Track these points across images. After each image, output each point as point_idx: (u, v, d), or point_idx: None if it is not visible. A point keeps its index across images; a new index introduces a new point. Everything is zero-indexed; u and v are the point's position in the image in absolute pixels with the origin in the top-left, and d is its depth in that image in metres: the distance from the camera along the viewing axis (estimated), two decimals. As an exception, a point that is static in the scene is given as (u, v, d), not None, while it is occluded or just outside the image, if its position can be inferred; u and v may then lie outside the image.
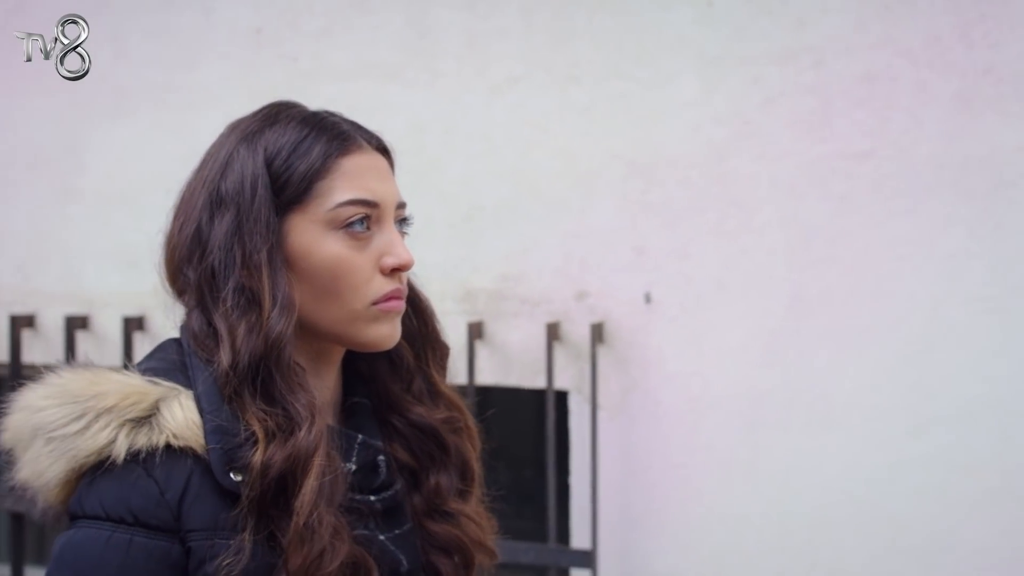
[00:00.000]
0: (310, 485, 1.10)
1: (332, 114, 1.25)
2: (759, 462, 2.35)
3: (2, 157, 3.00)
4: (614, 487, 2.45)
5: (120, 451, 1.08)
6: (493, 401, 2.56)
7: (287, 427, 1.11)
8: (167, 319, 1.25)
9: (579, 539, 2.51)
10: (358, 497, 1.20)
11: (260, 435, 1.10)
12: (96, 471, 1.09)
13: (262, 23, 2.73)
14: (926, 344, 2.24)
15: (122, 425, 1.09)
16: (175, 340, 1.22)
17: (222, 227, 1.17)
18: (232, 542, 1.09)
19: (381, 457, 1.25)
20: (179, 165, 2.86)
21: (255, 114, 1.25)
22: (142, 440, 1.09)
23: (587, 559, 2.40)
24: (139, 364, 1.18)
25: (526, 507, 2.57)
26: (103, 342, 2.82)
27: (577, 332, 2.46)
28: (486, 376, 2.54)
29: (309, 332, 1.20)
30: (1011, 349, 2.20)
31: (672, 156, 2.41)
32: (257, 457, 1.09)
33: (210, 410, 1.12)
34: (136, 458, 1.09)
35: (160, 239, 1.24)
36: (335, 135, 1.21)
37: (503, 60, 2.54)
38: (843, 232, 2.29)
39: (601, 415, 2.45)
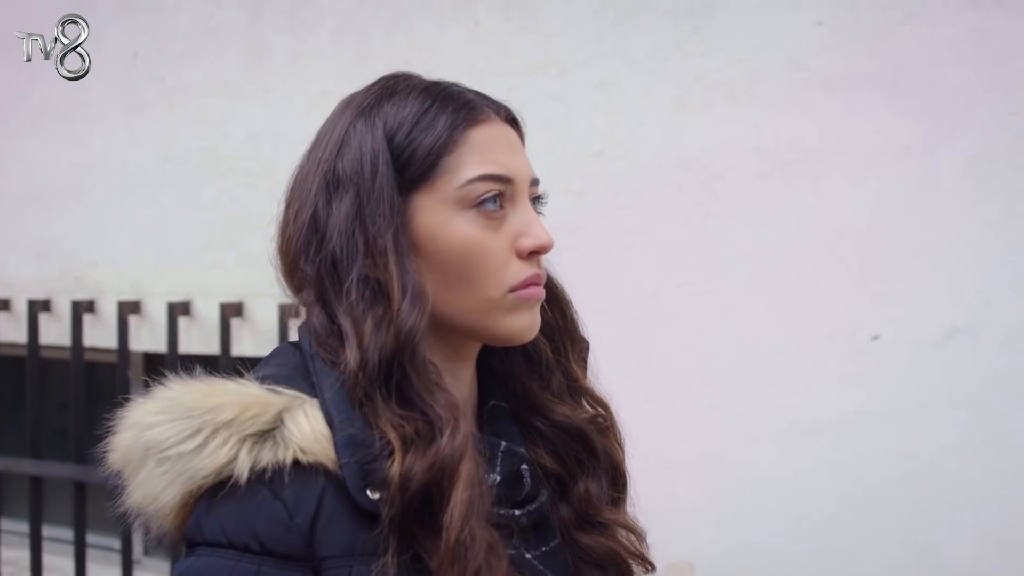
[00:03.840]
0: (460, 496, 0.98)
1: (454, 84, 1.14)
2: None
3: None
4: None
5: (243, 470, 0.97)
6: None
7: (427, 433, 1.00)
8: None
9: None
10: (502, 511, 1.07)
11: (396, 443, 0.98)
12: (216, 492, 0.98)
13: (138, 48, 3.18)
14: (649, 324, 2.51)
15: (243, 440, 0.98)
16: (292, 344, 1.12)
17: (341, 210, 1.05)
18: (373, 567, 0.97)
19: (525, 466, 1.14)
20: (80, 172, 3.33)
21: (369, 88, 1.15)
22: (267, 456, 0.97)
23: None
24: (255, 372, 1.07)
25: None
26: (19, 321, 3.33)
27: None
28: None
29: (441, 326, 1.08)
30: (718, 327, 2.44)
31: (447, 158, 2.73)
32: (395, 469, 0.97)
33: (340, 419, 1.00)
34: (261, 477, 0.97)
35: (272, 229, 1.15)
36: (461, 105, 1.09)
37: (318, 76, 2.91)
38: (581, 224, 2.57)
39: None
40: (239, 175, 3.01)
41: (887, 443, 2.32)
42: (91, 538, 3.20)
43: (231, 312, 2.96)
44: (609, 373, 2.54)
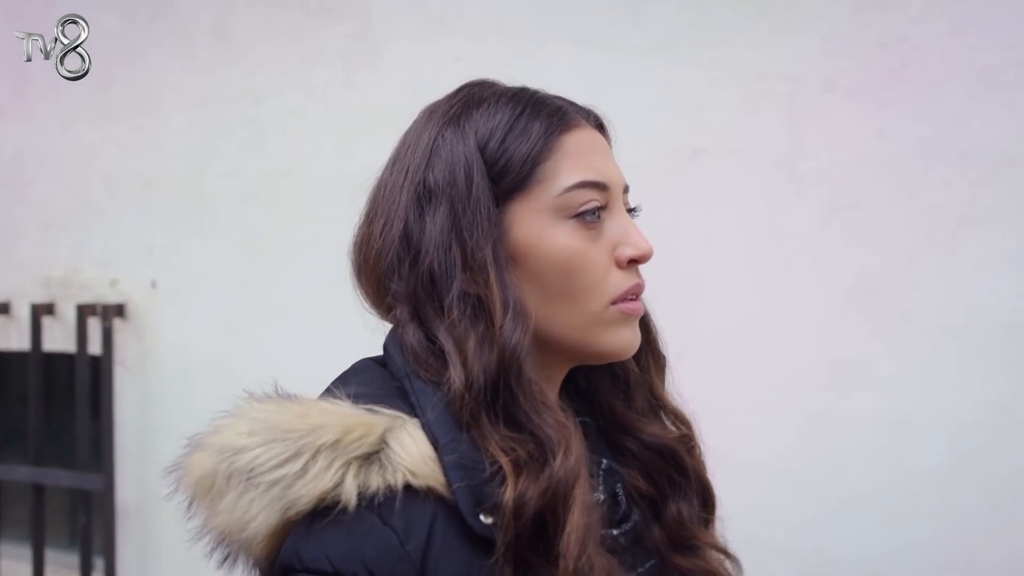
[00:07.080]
0: (576, 522, 0.93)
1: (539, 90, 1.09)
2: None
3: None
4: (131, 428, 3.17)
5: (350, 495, 0.90)
6: (54, 361, 3.33)
7: (538, 455, 0.95)
8: None
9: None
10: (602, 532, 1.01)
11: (508, 468, 0.93)
12: (313, 517, 0.92)
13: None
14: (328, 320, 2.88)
15: (348, 464, 0.92)
16: (375, 361, 1.06)
17: (436, 224, 1.00)
18: None
19: (620, 485, 1.11)
20: None
21: (453, 96, 1.08)
22: (375, 481, 0.91)
23: (108, 482, 3.15)
24: (339, 389, 0.99)
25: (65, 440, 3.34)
26: None
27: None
28: (57, 343, 3.32)
29: (538, 343, 1.00)
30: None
31: (170, 174, 3.12)
32: (508, 494, 0.92)
33: (446, 440, 0.94)
34: (369, 503, 0.91)
35: (348, 245, 1.10)
36: (553, 111, 1.04)
37: (70, 101, 3.29)
38: (275, 232, 2.95)
39: (124, 374, 3.18)
40: (8, 189, 3.40)
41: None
42: None
43: (-3, 310, 3.35)
44: (298, 364, 2.94)
